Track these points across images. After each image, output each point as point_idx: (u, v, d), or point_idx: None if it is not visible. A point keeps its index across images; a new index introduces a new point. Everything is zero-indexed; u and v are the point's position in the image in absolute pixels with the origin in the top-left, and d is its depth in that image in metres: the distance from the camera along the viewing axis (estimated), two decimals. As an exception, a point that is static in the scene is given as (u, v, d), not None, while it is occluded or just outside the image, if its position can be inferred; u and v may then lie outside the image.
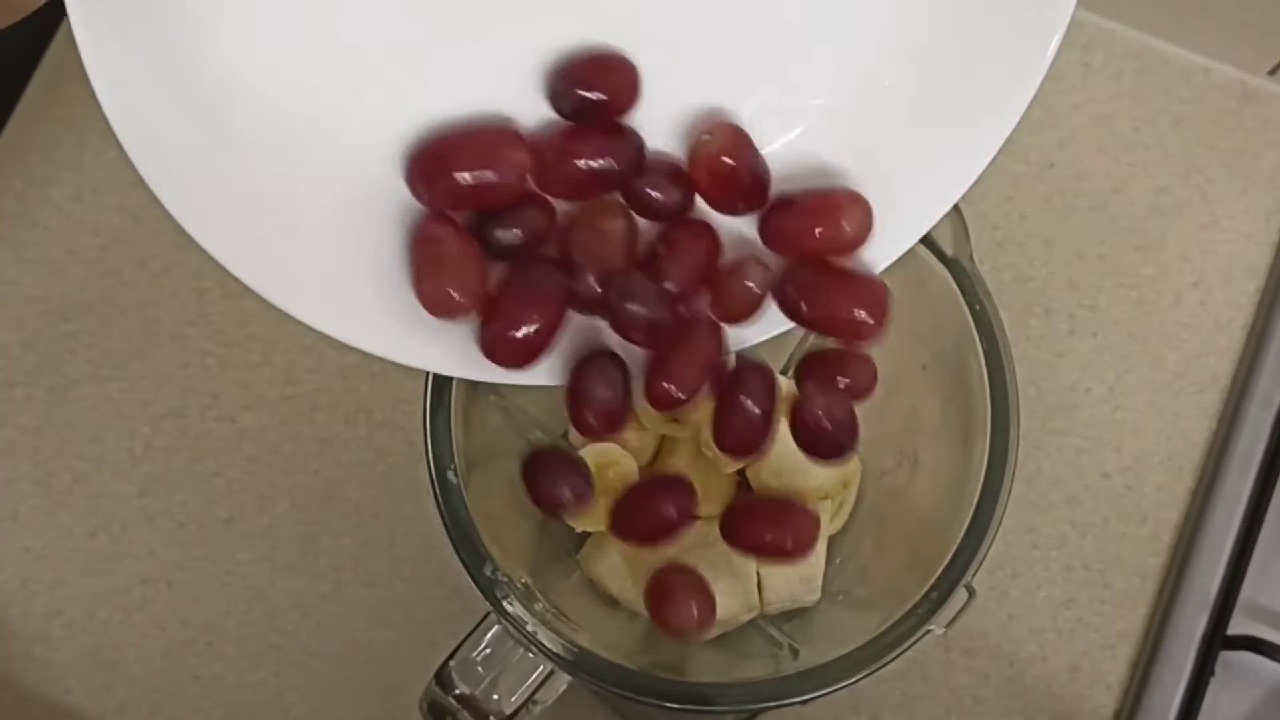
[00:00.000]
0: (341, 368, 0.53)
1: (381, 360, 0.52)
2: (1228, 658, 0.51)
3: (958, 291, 0.34)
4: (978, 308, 0.34)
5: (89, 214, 0.54)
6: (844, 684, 0.32)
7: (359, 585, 0.51)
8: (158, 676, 0.50)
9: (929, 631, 0.32)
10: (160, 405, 0.53)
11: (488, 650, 0.34)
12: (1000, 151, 0.53)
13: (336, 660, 0.51)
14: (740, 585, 0.37)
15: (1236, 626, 0.51)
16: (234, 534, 0.52)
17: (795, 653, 0.37)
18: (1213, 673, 0.50)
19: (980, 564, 0.32)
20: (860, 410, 0.39)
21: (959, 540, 0.32)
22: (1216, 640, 0.51)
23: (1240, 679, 0.51)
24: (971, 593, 0.32)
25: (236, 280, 0.53)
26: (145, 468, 0.52)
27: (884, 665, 0.32)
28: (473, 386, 0.35)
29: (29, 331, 0.53)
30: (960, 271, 0.34)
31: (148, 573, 0.51)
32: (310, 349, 0.53)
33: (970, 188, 0.33)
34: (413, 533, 0.52)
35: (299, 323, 0.32)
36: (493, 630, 0.34)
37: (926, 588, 0.32)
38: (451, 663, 0.34)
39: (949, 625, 0.32)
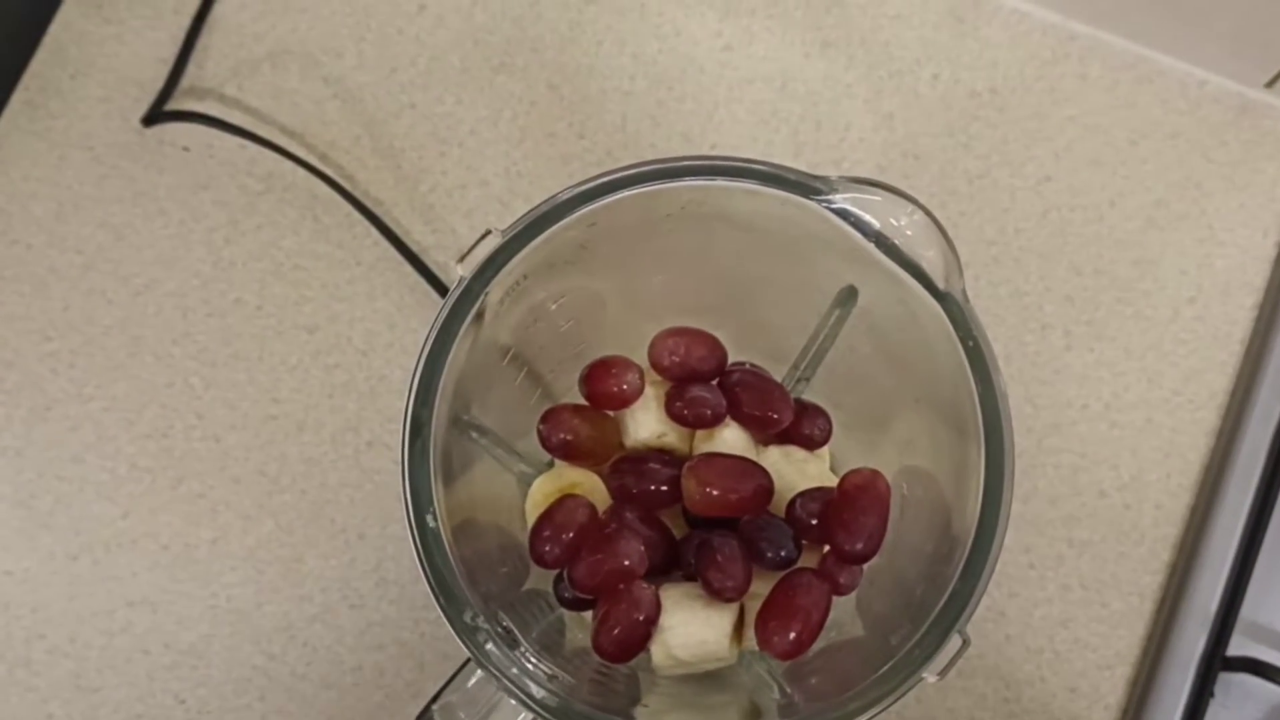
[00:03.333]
0: (328, 386, 0.52)
1: (368, 379, 0.52)
2: (1227, 679, 0.50)
3: (950, 326, 0.33)
4: (971, 344, 0.33)
5: (71, 231, 0.53)
6: (834, 731, 0.31)
7: (345, 607, 0.51)
8: (141, 701, 0.50)
9: (921, 679, 0.31)
10: (143, 425, 0.52)
11: (471, 694, 0.33)
12: (994, 164, 0.52)
13: (323, 683, 0.50)
14: (725, 617, 0.37)
15: (1236, 647, 0.50)
16: (219, 556, 0.51)
17: (785, 694, 0.36)
18: (1212, 694, 0.50)
19: (975, 609, 0.31)
20: (853, 445, 0.39)
21: (953, 584, 0.31)
22: (1216, 661, 0.50)
23: (1240, 701, 0.50)
24: (966, 640, 0.31)
25: (220, 297, 0.52)
26: (128, 489, 0.51)
27: (874, 715, 0.31)
28: (452, 423, 0.34)
29: (10, 350, 0.52)
30: (953, 306, 0.33)
31: (131, 595, 0.50)
32: (295, 368, 0.52)
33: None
34: (400, 554, 0.51)
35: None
36: (476, 675, 0.33)
37: (920, 634, 0.31)
38: (435, 707, 0.34)
39: (942, 673, 0.31)
